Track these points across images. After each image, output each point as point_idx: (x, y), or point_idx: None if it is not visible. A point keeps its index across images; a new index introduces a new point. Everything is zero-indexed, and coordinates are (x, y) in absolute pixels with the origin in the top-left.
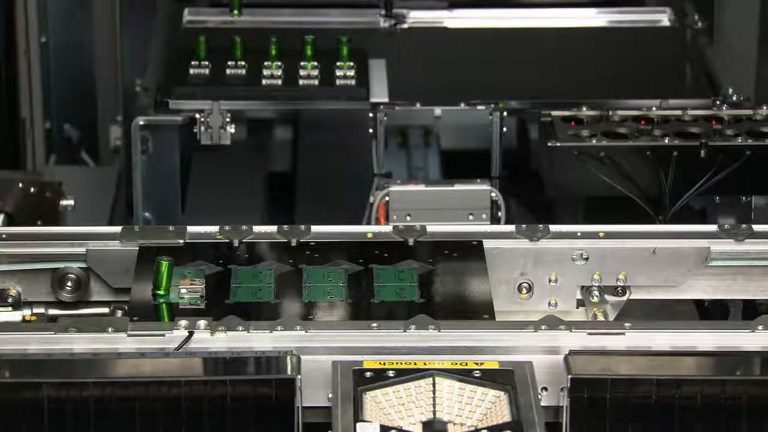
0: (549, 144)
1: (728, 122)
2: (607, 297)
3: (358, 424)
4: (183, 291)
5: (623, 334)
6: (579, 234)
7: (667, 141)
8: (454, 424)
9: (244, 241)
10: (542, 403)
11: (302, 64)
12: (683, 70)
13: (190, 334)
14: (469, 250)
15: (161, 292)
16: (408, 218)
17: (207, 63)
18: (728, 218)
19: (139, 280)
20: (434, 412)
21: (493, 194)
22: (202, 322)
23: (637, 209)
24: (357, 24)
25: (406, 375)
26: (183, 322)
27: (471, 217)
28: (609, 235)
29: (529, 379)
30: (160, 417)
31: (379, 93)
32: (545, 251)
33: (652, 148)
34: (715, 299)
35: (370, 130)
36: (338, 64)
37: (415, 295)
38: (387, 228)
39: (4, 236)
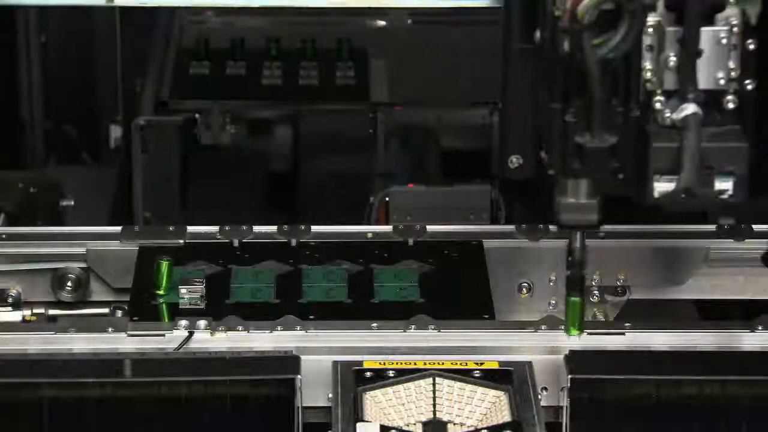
0: None
1: None
2: (607, 297)
3: (358, 424)
4: (183, 291)
5: (623, 334)
6: None
7: None
8: (454, 424)
9: (244, 241)
10: (542, 403)
11: (302, 64)
12: None
13: (190, 334)
14: (469, 250)
15: (161, 292)
16: (408, 218)
17: (207, 63)
18: (728, 218)
19: (139, 280)
20: (434, 412)
21: (493, 194)
22: (202, 322)
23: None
24: (357, 24)
25: (406, 375)
26: (183, 322)
27: (471, 217)
28: (609, 235)
29: (529, 379)
30: (160, 417)
31: (379, 93)
32: (545, 251)
33: None
34: (715, 299)
35: (370, 130)
36: (338, 64)
37: (415, 295)
38: (387, 228)
39: (4, 236)
